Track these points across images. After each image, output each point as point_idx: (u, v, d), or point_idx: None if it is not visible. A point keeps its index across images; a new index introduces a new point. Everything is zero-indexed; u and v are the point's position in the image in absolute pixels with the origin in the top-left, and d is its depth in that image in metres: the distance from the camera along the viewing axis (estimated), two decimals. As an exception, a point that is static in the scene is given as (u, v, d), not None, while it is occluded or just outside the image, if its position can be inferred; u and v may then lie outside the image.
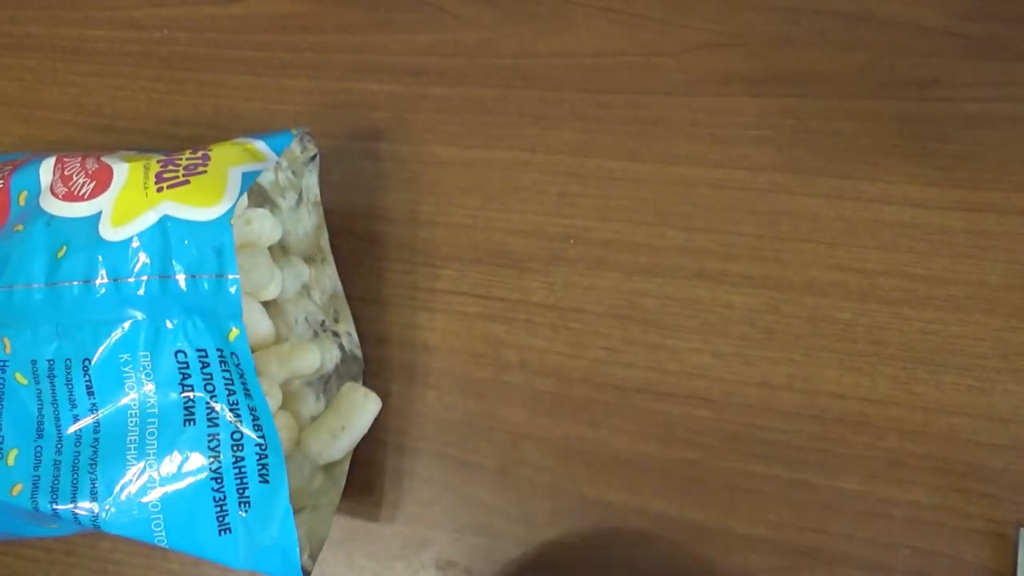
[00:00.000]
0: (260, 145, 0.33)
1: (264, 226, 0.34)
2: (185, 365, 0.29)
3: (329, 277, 0.38)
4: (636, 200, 0.38)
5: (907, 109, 0.37)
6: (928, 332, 0.35)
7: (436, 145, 0.40)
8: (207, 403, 0.29)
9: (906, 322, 0.32)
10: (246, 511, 0.29)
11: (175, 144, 0.41)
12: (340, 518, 0.36)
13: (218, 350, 0.29)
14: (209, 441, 0.29)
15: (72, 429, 0.30)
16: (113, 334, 0.29)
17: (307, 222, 0.37)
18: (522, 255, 0.38)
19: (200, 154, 0.32)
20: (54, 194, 0.31)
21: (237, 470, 0.29)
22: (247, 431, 0.29)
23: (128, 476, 0.29)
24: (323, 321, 0.37)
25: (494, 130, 0.39)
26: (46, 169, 0.33)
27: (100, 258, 0.29)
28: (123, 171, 0.31)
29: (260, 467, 0.29)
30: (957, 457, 0.34)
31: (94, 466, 0.29)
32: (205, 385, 0.29)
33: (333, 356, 0.37)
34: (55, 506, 0.30)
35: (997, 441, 0.34)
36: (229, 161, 0.32)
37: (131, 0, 0.44)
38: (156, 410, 0.29)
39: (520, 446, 0.36)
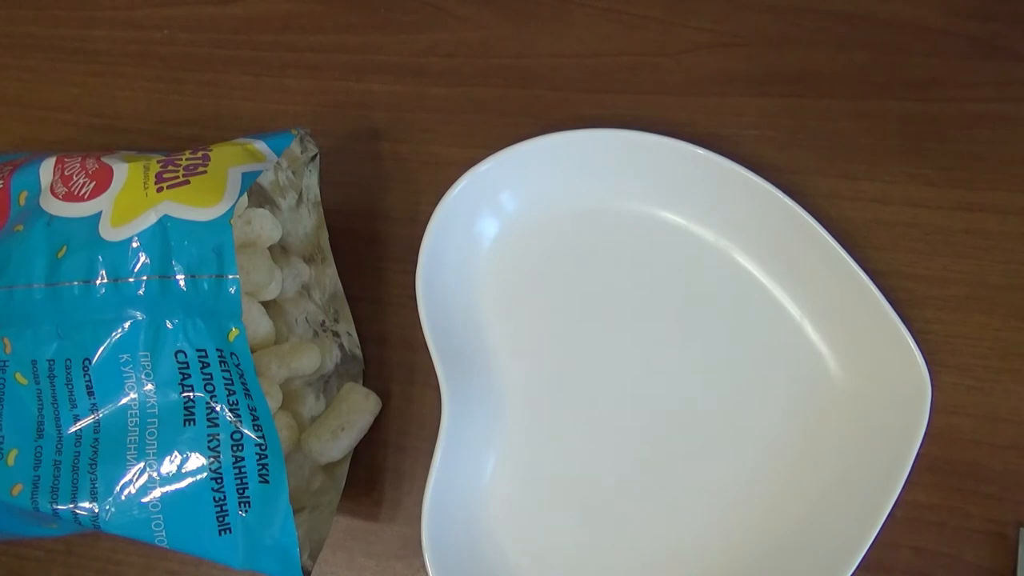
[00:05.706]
0: (260, 145, 0.33)
1: (264, 226, 0.34)
2: (185, 365, 0.29)
3: (329, 277, 0.38)
4: (636, 200, 0.38)
5: (907, 109, 0.37)
6: (928, 332, 0.35)
7: (436, 145, 0.40)
8: (207, 403, 0.29)
9: (906, 322, 0.32)
10: (246, 511, 0.29)
11: (175, 144, 0.41)
12: (340, 518, 0.36)
13: (218, 350, 0.29)
14: (209, 441, 0.29)
15: (72, 429, 0.30)
16: (113, 334, 0.29)
17: (307, 222, 0.37)
18: (522, 255, 0.38)
19: (200, 154, 0.32)
20: (54, 194, 0.31)
21: (237, 470, 0.29)
22: (247, 431, 0.29)
23: (128, 476, 0.29)
24: (323, 321, 0.37)
25: (494, 130, 0.39)
26: (46, 169, 0.33)
27: (100, 258, 0.29)
28: (123, 171, 0.31)
29: (260, 467, 0.29)
30: (957, 457, 0.34)
31: (94, 466, 0.29)
32: (205, 385, 0.29)
33: (333, 356, 0.37)
34: (55, 506, 0.30)
35: (997, 441, 0.34)
36: (229, 161, 0.32)
37: (131, 0, 0.44)
38: (156, 410, 0.29)
39: (520, 446, 0.36)
